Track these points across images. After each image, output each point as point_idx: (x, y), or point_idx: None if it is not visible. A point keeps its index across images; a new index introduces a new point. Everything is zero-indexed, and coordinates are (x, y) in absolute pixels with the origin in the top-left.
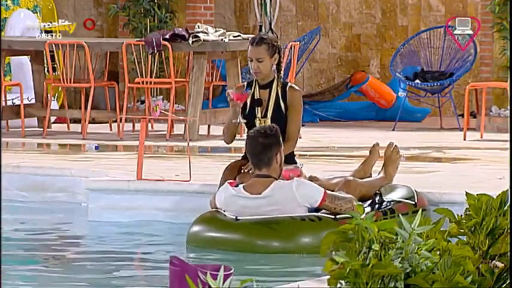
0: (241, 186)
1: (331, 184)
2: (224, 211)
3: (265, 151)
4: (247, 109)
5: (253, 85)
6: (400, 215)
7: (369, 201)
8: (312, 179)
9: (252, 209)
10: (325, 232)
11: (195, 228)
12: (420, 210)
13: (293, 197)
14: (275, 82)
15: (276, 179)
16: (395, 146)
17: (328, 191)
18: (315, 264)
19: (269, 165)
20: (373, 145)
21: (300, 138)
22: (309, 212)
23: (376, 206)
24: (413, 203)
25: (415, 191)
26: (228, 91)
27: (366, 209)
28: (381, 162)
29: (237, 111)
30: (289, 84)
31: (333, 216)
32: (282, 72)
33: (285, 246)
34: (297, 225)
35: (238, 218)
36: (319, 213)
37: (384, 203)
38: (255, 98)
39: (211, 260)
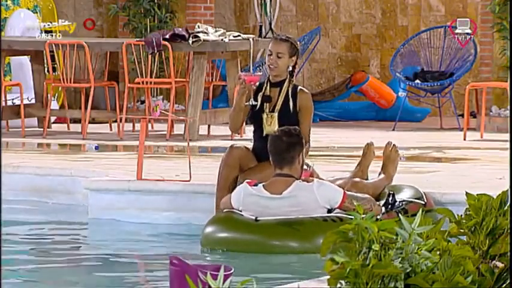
0: (260, 185)
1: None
2: (241, 211)
3: (288, 150)
4: (258, 105)
5: (265, 83)
6: (400, 215)
7: (383, 202)
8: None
9: (272, 209)
10: None
11: (210, 229)
12: (421, 211)
13: (314, 198)
14: (286, 82)
15: (297, 179)
16: (394, 145)
17: (347, 192)
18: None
19: (291, 164)
20: (367, 144)
21: None
22: (327, 212)
23: (389, 206)
24: (423, 202)
25: (422, 191)
26: (240, 74)
27: (382, 209)
28: (377, 162)
29: (248, 94)
30: (299, 87)
31: (352, 217)
32: (294, 76)
33: (306, 247)
34: (320, 226)
35: (258, 218)
36: (339, 214)
37: (397, 204)
38: (265, 94)
39: (222, 260)
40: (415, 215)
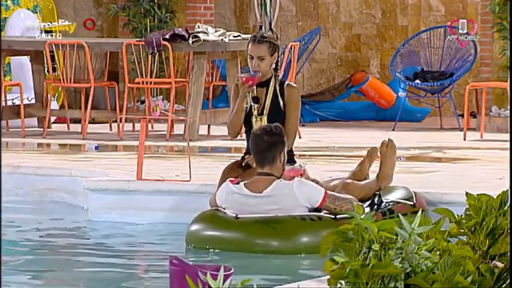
0: (242, 183)
1: (330, 186)
2: (224, 209)
3: (270, 149)
4: (249, 105)
5: None
6: (400, 215)
7: (368, 202)
8: (312, 181)
9: (252, 207)
10: (325, 232)
11: (195, 226)
12: (420, 211)
13: (294, 197)
14: (272, 80)
15: (278, 178)
16: (390, 140)
17: (329, 192)
18: (315, 265)
19: (273, 163)
20: (373, 148)
21: (300, 138)
22: (309, 212)
23: (375, 206)
24: (411, 203)
25: (414, 192)
26: (239, 75)
27: (365, 209)
28: (377, 162)
29: (247, 95)
30: (286, 82)
31: (333, 216)
32: (279, 71)
33: (284, 246)
34: (297, 224)
35: (238, 216)
36: (319, 213)
37: (383, 204)
38: (252, 96)
39: (209, 260)
40: (401, 215)
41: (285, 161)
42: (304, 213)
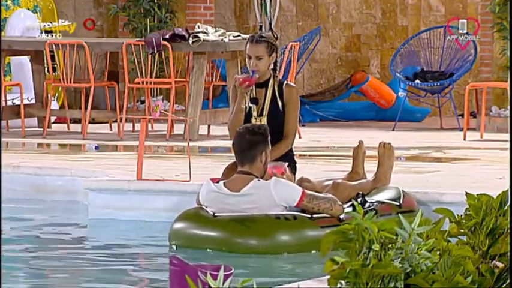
0: (221, 182)
1: (322, 186)
2: (206, 207)
3: (250, 148)
4: (247, 106)
5: None
6: (400, 216)
7: (350, 203)
8: (302, 180)
9: (230, 206)
10: (300, 231)
11: (177, 225)
12: (420, 212)
13: (270, 196)
14: (271, 81)
15: (257, 177)
16: (388, 143)
17: (307, 191)
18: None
19: (252, 162)
20: (357, 145)
21: (300, 138)
22: (289, 211)
23: None
24: (397, 204)
25: (403, 192)
26: (236, 76)
27: (346, 209)
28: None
29: (245, 96)
30: (285, 82)
31: (309, 216)
32: (278, 71)
33: (260, 245)
34: (272, 223)
35: (216, 214)
36: (295, 212)
37: (367, 204)
38: (251, 96)
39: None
40: (385, 216)
41: (267, 161)
42: (279, 213)
